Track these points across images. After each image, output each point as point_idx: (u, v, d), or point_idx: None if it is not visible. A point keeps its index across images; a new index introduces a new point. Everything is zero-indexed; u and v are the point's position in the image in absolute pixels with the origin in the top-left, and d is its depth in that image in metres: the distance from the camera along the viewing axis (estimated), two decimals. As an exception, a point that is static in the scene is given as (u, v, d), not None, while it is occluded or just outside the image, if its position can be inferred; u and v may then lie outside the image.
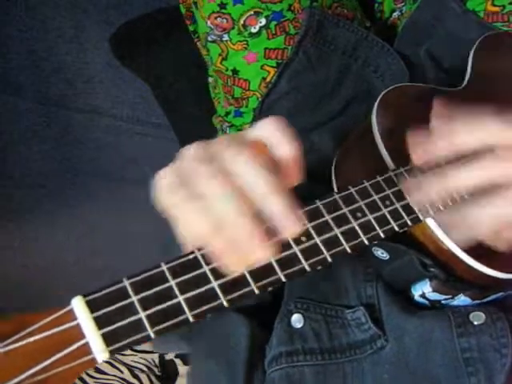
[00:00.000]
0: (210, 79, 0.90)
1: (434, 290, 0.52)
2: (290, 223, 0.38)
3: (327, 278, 0.57)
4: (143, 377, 1.22)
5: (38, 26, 1.20)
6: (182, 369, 1.27)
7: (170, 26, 1.05)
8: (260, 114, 0.76)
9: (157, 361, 1.26)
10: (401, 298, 0.55)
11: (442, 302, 0.53)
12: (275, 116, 0.41)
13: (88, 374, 1.20)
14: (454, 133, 0.44)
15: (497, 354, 0.49)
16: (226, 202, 0.37)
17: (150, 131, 1.24)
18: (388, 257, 0.53)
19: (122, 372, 1.22)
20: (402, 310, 0.53)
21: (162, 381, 1.24)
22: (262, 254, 0.37)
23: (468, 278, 0.51)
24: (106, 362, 1.23)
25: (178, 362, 1.27)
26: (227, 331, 0.56)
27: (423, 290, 0.53)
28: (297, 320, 0.54)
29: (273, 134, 0.40)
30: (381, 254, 0.54)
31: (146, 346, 1.28)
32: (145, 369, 1.23)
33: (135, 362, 1.24)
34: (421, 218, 0.48)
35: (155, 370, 1.25)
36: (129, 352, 1.26)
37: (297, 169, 0.41)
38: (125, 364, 1.23)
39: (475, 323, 0.50)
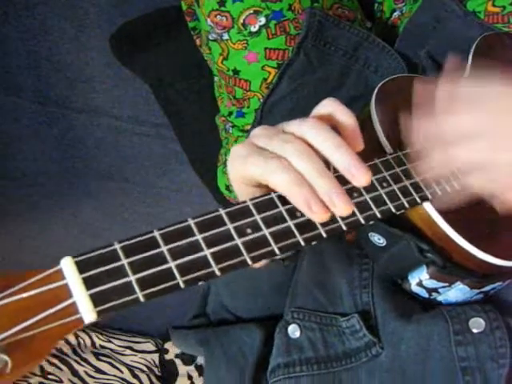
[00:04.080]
0: (216, 78, 0.90)
1: (431, 277, 0.52)
2: (360, 172, 0.42)
3: (322, 286, 0.57)
4: (143, 377, 1.22)
5: (38, 26, 1.20)
6: (182, 369, 1.27)
7: (170, 26, 1.05)
8: (261, 114, 0.76)
9: (157, 361, 1.26)
10: (397, 302, 0.54)
11: (440, 290, 0.53)
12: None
13: (88, 374, 1.20)
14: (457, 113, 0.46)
15: (494, 364, 0.48)
16: (305, 159, 0.41)
17: (150, 131, 1.24)
18: (385, 243, 0.53)
19: (122, 372, 1.21)
20: (399, 317, 0.52)
21: (162, 381, 1.24)
22: (343, 204, 0.41)
23: (466, 264, 0.50)
24: (106, 362, 1.23)
25: (177, 362, 1.27)
26: (241, 341, 0.56)
27: (420, 278, 0.53)
28: (293, 330, 0.54)
29: (332, 104, 0.46)
30: (377, 239, 0.53)
31: (146, 346, 1.28)
32: (145, 369, 1.23)
33: (135, 362, 1.24)
34: (418, 200, 0.48)
35: (155, 370, 1.25)
36: (129, 352, 1.26)
37: (357, 136, 0.45)
38: (125, 364, 1.23)
39: (474, 331, 0.50)
